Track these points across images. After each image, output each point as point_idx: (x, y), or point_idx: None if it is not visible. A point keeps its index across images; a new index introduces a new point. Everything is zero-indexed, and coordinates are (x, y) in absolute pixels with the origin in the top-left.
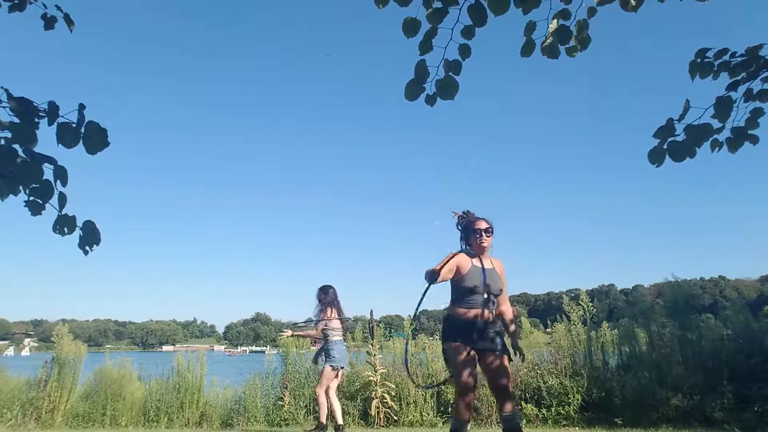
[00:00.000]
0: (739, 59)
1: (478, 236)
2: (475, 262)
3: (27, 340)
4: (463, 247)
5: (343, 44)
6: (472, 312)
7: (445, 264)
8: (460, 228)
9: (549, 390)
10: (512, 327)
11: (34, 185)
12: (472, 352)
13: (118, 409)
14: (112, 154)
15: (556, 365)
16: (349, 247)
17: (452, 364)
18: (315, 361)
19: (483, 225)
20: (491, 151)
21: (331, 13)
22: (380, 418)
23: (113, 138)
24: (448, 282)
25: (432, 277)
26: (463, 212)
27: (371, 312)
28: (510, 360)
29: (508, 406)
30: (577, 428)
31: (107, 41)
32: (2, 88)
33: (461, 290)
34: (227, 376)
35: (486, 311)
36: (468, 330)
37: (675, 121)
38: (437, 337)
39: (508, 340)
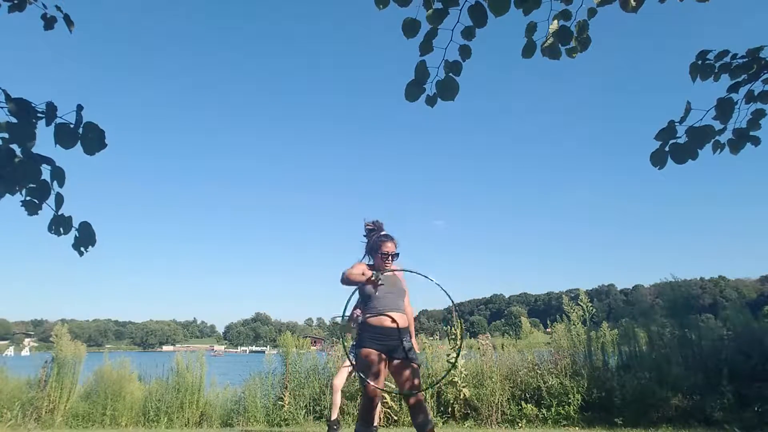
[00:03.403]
0: (740, 61)
1: (385, 260)
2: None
3: (27, 340)
4: (366, 259)
5: (343, 44)
6: (384, 321)
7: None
8: (367, 240)
9: (549, 390)
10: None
11: (32, 185)
12: (383, 361)
13: (118, 409)
14: (112, 154)
15: (556, 365)
16: (350, 247)
17: (363, 370)
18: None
19: (390, 249)
20: (491, 151)
21: (331, 14)
22: (380, 418)
23: (113, 138)
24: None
25: (347, 281)
26: (374, 223)
27: None
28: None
29: (423, 415)
30: (577, 428)
31: (107, 41)
32: (0, 89)
33: (368, 300)
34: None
35: (395, 320)
36: (380, 338)
37: (676, 123)
38: (437, 336)
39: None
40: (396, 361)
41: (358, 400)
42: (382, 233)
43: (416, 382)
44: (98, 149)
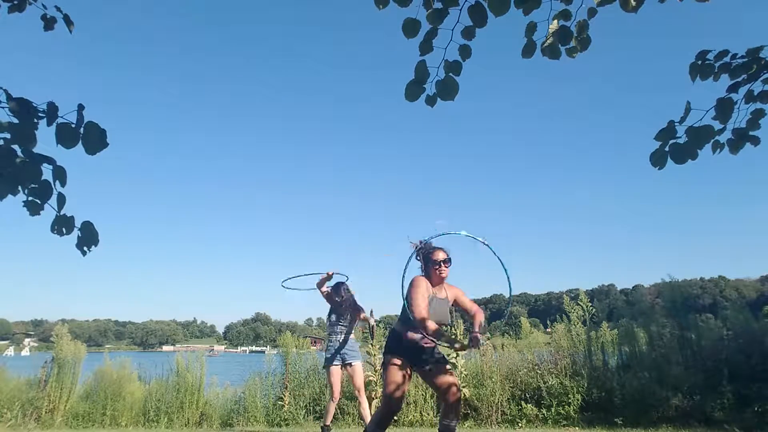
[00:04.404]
0: (740, 61)
1: (437, 267)
2: (434, 290)
3: (27, 340)
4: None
5: (343, 45)
6: (417, 336)
7: (421, 300)
8: (418, 258)
9: (549, 390)
10: (478, 322)
11: (33, 185)
12: (409, 371)
13: (118, 409)
14: (112, 155)
15: (556, 365)
16: (349, 247)
17: (386, 378)
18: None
19: (441, 256)
20: (491, 151)
21: (331, 14)
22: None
23: (113, 138)
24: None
25: (424, 327)
26: (420, 242)
27: (371, 312)
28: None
29: (454, 417)
30: (577, 428)
31: (106, 41)
32: (1, 88)
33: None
34: None
35: (429, 339)
36: (410, 351)
37: (676, 123)
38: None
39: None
40: (428, 366)
41: (358, 401)
42: (431, 246)
43: (452, 379)
44: (99, 149)
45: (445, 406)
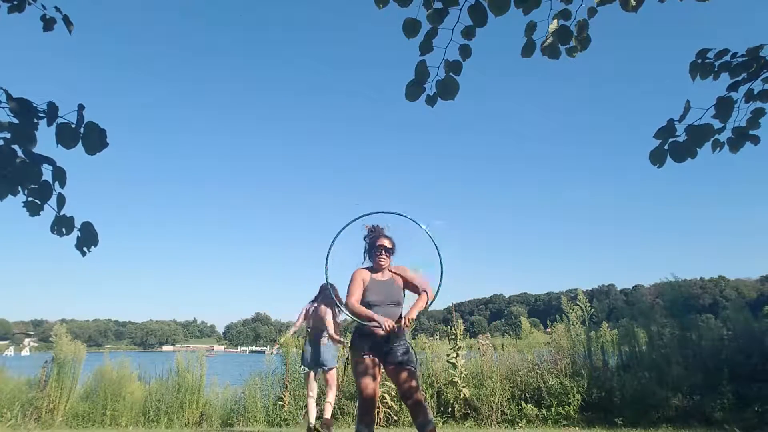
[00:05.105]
0: (740, 60)
1: (377, 254)
2: (374, 276)
3: (27, 340)
4: (365, 259)
5: (343, 45)
6: (376, 331)
7: (355, 289)
8: (366, 242)
9: (549, 390)
10: (416, 306)
11: (33, 186)
12: (378, 364)
13: (118, 409)
14: (112, 154)
15: (556, 365)
16: (348, 247)
17: (355, 375)
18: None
19: (384, 243)
20: (490, 151)
21: (330, 14)
22: (380, 418)
23: (113, 138)
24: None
25: (353, 312)
26: (373, 227)
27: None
28: (417, 372)
29: (423, 416)
30: (577, 428)
31: (107, 41)
32: (2, 88)
33: (364, 305)
34: None
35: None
36: (374, 343)
37: (676, 122)
38: (437, 336)
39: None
40: (391, 366)
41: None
42: (379, 228)
43: (413, 384)
44: (99, 149)
45: (409, 408)
